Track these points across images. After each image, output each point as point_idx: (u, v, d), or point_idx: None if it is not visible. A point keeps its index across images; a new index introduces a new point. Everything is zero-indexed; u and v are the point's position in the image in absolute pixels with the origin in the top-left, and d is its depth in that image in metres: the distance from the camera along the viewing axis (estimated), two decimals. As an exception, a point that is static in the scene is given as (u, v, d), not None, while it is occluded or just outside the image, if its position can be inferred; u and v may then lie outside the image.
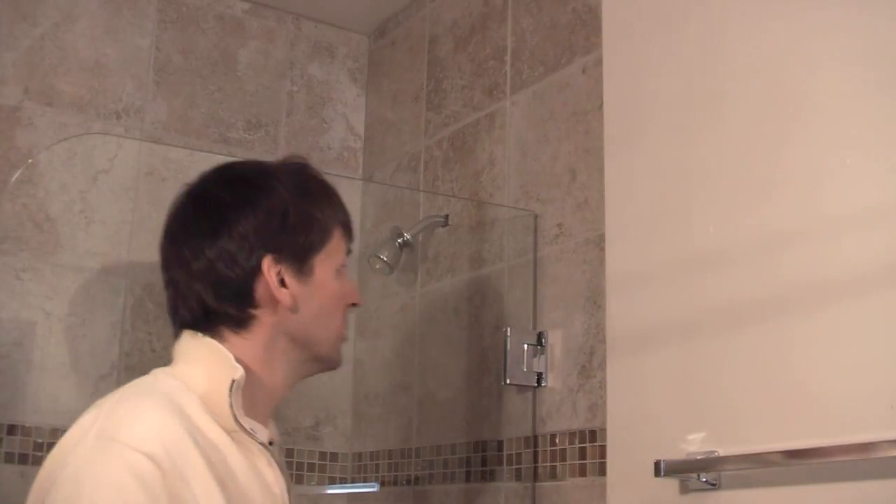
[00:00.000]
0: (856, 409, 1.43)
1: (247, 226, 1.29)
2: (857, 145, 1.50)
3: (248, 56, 2.73)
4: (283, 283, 1.31)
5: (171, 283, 1.33)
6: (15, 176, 2.33)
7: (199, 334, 1.30)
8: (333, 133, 2.81)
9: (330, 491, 2.62)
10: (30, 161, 2.35)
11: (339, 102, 2.85)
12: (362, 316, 2.68)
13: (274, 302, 1.30)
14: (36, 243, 2.30)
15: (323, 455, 2.59)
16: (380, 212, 2.69)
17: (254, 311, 1.30)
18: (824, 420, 1.47)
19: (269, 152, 2.65)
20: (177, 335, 1.33)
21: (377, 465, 2.52)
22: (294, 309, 1.31)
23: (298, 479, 2.54)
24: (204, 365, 1.27)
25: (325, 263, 1.35)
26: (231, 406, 1.24)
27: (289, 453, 2.54)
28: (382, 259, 2.40)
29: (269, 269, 1.29)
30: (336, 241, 1.37)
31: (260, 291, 1.30)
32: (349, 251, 1.41)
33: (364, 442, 2.60)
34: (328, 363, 1.40)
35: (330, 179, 1.43)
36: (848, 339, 1.46)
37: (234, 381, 1.25)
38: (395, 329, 2.60)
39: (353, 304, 1.41)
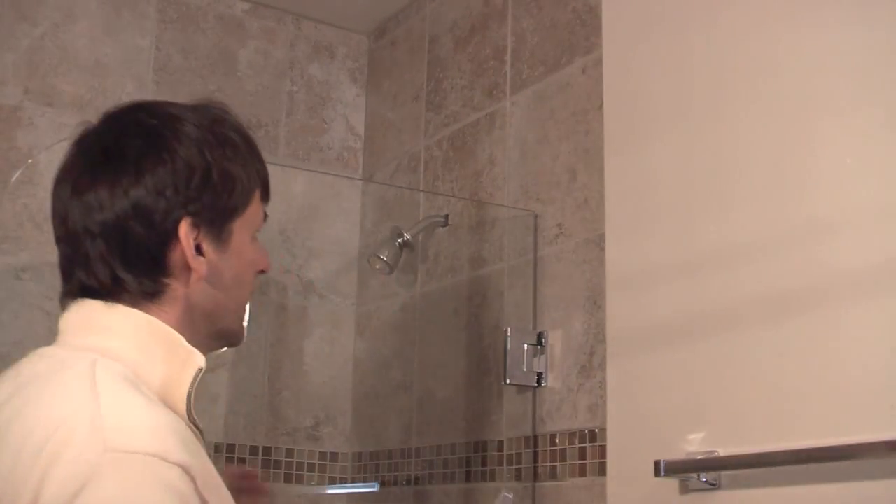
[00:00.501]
0: (856, 409, 1.43)
1: (164, 178, 1.12)
2: (857, 145, 1.50)
3: (248, 56, 2.73)
4: (199, 250, 1.14)
5: (66, 239, 1.14)
6: (15, 176, 2.33)
7: (119, 305, 1.12)
8: (333, 133, 2.81)
9: (330, 491, 2.62)
10: (30, 161, 2.34)
11: (339, 102, 2.84)
12: (362, 316, 2.68)
13: (187, 271, 1.14)
14: (36, 243, 2.30)
15: (323, 455, 2.59)
16: (380, 212, 2.69)
17: (165, 280, 1.13)
18: (824, 420, 1.47)
19: (269, 152, 2.63)
20: (65, 302, 1.15)
21: (377, 465, 2.52)
22: (210, 280, 1.16)
23: (298, 479, 2.54)
24: (156, 348, 1.11)
25: (243, 229, 1.20)
26: (190, 398, 1.10)
27: (289, 453, 2.55)
28: (382, 259, 2.39)
29: (187, 234, 1.13)
30: (255, 204, 1.22)
31: (173, 259, 1.13)
32: (266, 215, 1.26)
33: (364, 442, 2.60)
34: (232, 339, 1.24)
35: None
36: (848, 339, 1.46)
37: (200, 369, 1.11)
38: (395, 329, 2.60)
39: (262, 272, 1.25)
